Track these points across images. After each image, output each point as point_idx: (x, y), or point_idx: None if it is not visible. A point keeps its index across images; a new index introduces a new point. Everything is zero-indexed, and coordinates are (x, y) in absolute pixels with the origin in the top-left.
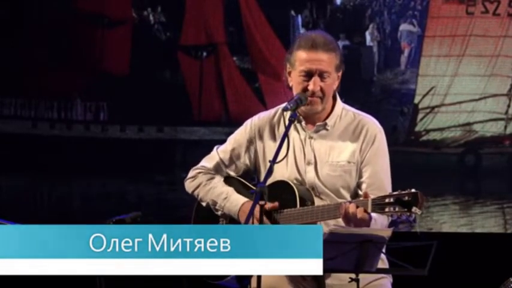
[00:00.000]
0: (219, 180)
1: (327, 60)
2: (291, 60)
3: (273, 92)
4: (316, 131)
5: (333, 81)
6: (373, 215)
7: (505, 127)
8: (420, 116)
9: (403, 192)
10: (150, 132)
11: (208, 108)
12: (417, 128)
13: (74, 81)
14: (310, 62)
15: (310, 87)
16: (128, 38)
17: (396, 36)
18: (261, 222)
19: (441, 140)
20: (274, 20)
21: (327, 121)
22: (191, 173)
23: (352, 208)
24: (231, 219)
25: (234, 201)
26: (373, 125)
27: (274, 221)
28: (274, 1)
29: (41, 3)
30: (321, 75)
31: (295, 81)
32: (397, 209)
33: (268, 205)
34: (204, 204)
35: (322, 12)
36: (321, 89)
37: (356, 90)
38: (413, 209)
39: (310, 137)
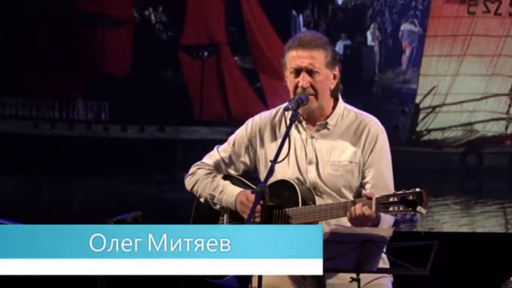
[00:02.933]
0: (217, 176)
1: (315, 56)
2: (284, 63)
3: (274, 92)
4: (318, 131)
5: (324, 78)
6: (381, 216)
7: (506, 127)
8: (421, 115)
9: (408, 191)
10: (152, 132)
11: (210, 108)
12: (418, 128)
13: (75, 81)
14: (298, 59)
15: (300, 83)
16: (129, 38)
17: (397, 36)
18: (261, 221)
19: (442, 139)
20: (276, 19)
21: (328, 120)
22: (191, 170)
23: (358, 209)
24: (231, 212)
25: (230, 192)
26: (374, 125)
27: (277, 220)
28: (275, 1)
29: (42, 2)
30: (310, 71)
31: (288, 81)
32: (401, 208)
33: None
34: (202, 200)
35: (324, 12)
36: (312, 86)
37: (357, 90)
38: (418, 208)
39: (312, 137)
